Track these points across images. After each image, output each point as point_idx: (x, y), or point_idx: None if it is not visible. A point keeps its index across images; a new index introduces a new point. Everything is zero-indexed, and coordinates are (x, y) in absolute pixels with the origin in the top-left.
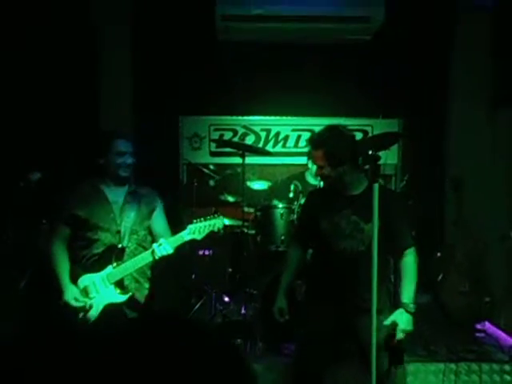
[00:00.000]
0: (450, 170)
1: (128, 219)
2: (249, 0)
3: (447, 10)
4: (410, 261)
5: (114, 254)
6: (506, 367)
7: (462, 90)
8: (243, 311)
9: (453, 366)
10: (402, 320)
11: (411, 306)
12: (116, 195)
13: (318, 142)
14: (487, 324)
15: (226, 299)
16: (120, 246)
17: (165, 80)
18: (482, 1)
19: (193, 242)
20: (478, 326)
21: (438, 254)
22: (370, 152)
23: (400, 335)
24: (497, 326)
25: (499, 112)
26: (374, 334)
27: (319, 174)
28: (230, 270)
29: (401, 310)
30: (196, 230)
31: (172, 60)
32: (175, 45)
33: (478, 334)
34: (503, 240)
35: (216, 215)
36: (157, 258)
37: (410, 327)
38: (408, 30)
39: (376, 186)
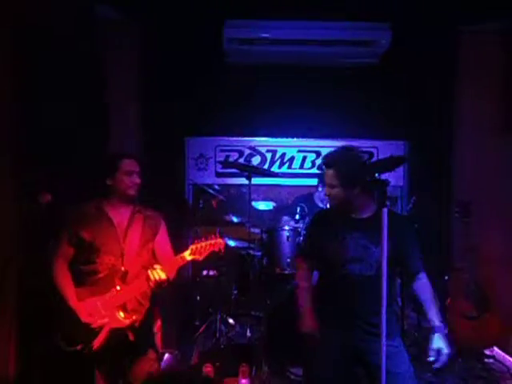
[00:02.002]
0: (456, 192)
1: (132, 241)
2: (256, 24)
3: (454, 33)
4: (424, 284)
5: (118, 276)
6: None
7: (470, 112)
8: (249, 334)
9: None
10: (443, 345)
11: (443, 327)
12: (120, 216)
13: (331, 160)
14: (496, 350)
15: (231, 322)
16: (123, 268)
17: (171, 102)
18: (490, 25)
19: (197, 262)
20: (487, 352)
21: (446, 278)
22: (378, 176)
23: (444, 358)
24: (506, 352)
25: (507, 135)
26: (384, 358)
27: (329, 194)
28: (236, 291)
29: (438, 335)
30: (197, 250)
31: (179, 82)
32: (182, 67)
33: (486, 360)
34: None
35: (217, 235)
36: (151, 284)
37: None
38: (414, 53)
39: (385, 211)
